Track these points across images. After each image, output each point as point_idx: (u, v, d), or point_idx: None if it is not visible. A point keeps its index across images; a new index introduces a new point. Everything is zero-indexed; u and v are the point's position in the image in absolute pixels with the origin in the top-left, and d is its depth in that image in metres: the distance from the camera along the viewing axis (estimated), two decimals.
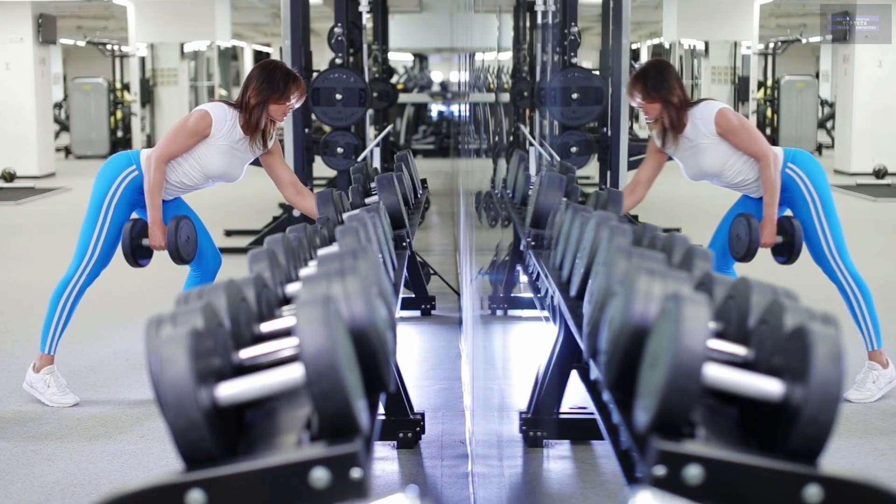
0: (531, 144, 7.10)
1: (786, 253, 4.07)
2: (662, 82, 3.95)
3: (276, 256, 2.45)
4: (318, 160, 6.35)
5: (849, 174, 13.22)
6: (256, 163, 4.21)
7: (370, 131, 8.57)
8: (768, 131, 16.31)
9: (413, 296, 5.67)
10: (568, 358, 3.39)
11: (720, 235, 4.25)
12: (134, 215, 4.12)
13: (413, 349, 5.06)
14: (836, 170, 13.68)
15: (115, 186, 4.03)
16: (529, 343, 5.07)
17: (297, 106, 4.07)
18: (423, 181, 5.76)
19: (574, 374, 3.37)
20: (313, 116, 6.39)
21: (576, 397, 3.65)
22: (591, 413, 3.19)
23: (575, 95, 5.93)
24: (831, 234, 4.08)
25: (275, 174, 4.20)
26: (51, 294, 4.10)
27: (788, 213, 4.13)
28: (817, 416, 1.52)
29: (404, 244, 3.88)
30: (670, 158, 4.18)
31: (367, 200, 4.21)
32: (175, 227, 3.92)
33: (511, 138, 9.51)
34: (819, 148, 16.26)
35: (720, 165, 4.02)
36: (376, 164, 7.84)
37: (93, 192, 4.07)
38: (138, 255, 4.02)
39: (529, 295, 5.25)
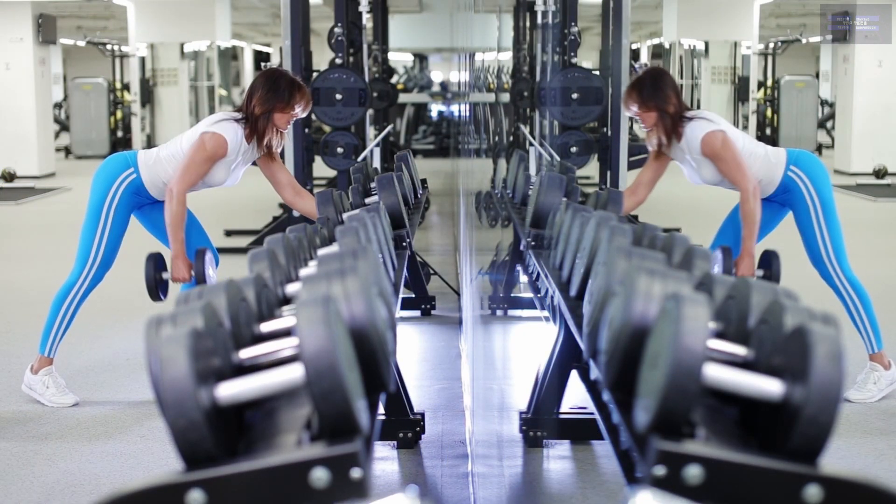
0: (531, 144, 7.10)
1: None
2: (658, 91, 3.92)
3: (276, 256, 2.45)
4: (318, 160, 6.35)
5: (849, 174, 13.22)
6: (255, 163, 4.21)
7: (370, 131, 8.57)
8: (768, 131, 16.32)
9: (413, 296, 5.67)
10: (568, 358, 3.39)
11: (722, 236, 4.24)
12: (135, 227, 4.11)
13: (413, 349, 5.06)
14: (836, 170, 13.68)
15: (113, 190, 4.02)
16: (529, 343, 5.07)
17: (302, 115, 4.05)
18: (423, 181, 5.75)
19: (574, 374, 3.37)
20: (313, 116, 6.39)
21: (576, 397, 3.65)
22: (591, 413, 3.19)
23: (575, 95, 5.93)
24: (830, 238, 4.07)
25: (273, 176, 4.19)
26: (53, 297, 4.09)
27: (774, 238, 4.06)
28: (817, 416, 1.52)
29: (404, 244, 3.88)
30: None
31: (367, 200, 4.20)
32: (202, 258, 3.85)
33: (511, 138, 9.51)
34: (819, 148, 16.25)
35: (717, 178, 4.01)
36: (376, 164, 7.84)
37: (91, 195, 4.05)
38: (161, 288, 3.99)
39: (529, 295, 5.25)
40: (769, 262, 3.94)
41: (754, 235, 3.93)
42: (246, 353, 1.82)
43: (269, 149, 4.02)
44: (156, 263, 3.94)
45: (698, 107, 17.58)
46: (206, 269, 3.86)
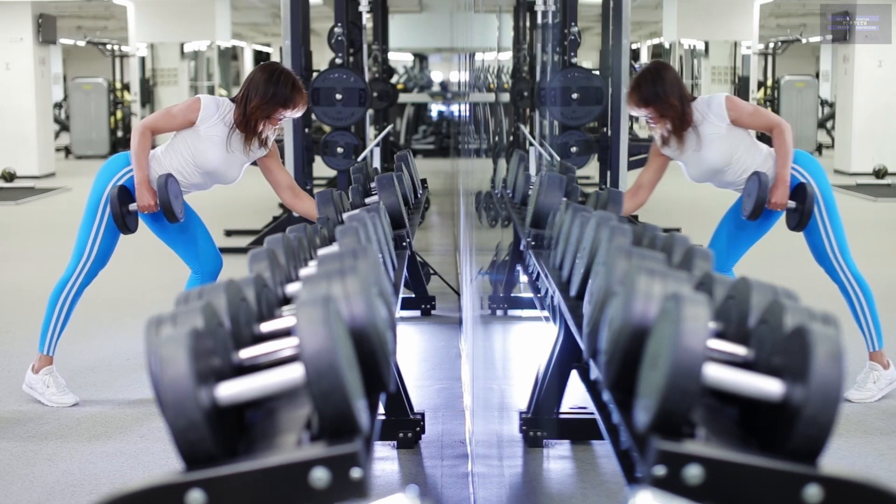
0: (531, 144, 7.10)
1: (796, 218, 4.07)
2: (659, 87, 3.93)
3: (276, 256, 2.45)
4: (318, 160, 6.35)
5: (849, 174, 13.22)
6: (255, 163, 4.20)
7: (370, 131, 8.56)
8: None
9: (413, 296, 5.67)
10: (568, 358, 3.39)
11: (720, 235, 4.25)
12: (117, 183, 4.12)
13: (413, 349, 5.06)
14: (836, 170, 13.68)
15: (110, 186, 4.02)
16: (529, 343, 5.07)
17: (297, 116, 4.07)
18: (423, 181, 5.75)
19: (574, 374, 3.37)
20: (313, 116, 6.39)
21: (576, 397, 3.65)
22: (591, 413, 3.19)
23: (575, 95, 5.93)
24: (834, 233, 4.08)
25: (272, 177, 4.19)
26: (49, 294, 4.10)
27: (803, 180, 4.10)
28: (817, 416, 1.52)
29: (404, 244, 3.88)
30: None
31: (367, 200, 4.20)
32: (164, 184, 3.93)
33: (511, 138, 9.52)
34: (819, 148, 16.25)
35: (727, 159, 4.01)
36: (376, 164, 7.84)
37: (90, 193, 4.06)
38: (128, 220, 4.02)
39: (529, 295, 5.25)
40: (803, 195, 4.02)
41: (789, 165, 4.02)
42: (246, 353, 1.82)
43: (260, 142, 4.02)
44: (121, 195, 3.97)
45: None
46: (169, 196, 3.89)
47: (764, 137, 4.40)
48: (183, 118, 3.97)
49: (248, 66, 23.75)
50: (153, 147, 4.10)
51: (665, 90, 3.92)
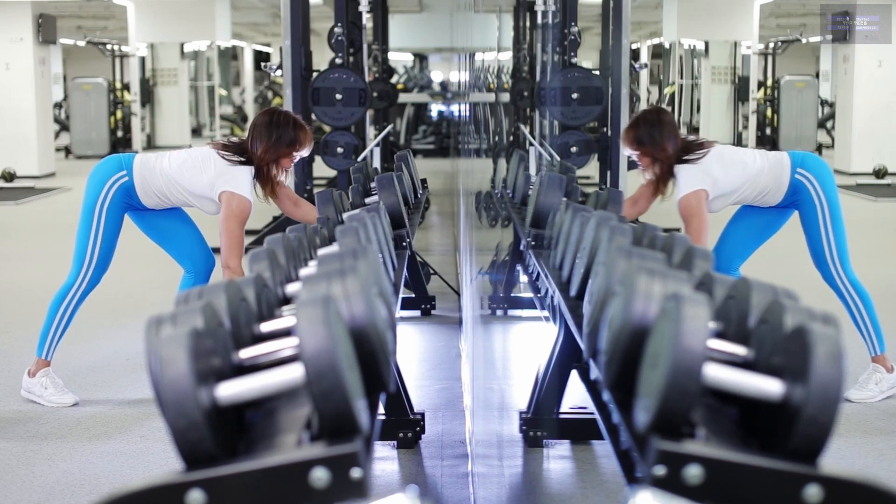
0: (531, 144, 7.10)
1: None
2: (654, 136, 3.93)
3: (276, 256, 2.45)
4: (318, 160, 6.35)
5: (849, 174, 13.22)
6: None
7: (370, 131, 8.56)
8: (768, 131, 16.31)
9: (413, 296, 5.67)
10: (568, 358, 3.39)
11: (725, 238, 4.24)
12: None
13: (413, 349, 5.06)
14: (836, 170, 13.67)
15: (104, 191, 4.00)
16: (529, 343, 5.07)
17: (305, 155, 4.08)
18: (423, 181, 5.75)
19: (574, 374, 3.37)
20: (313, 116, 6.39)
21: (576, 397, 3.65)
22: (591, 413, 3.19)
23: (575, 95, 5.93)
24: (835, 240, 4.07)
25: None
26: (51, 299, 4.09)
27: None
28: (817, 416, 1.52)
29: (404, 244, 3.88)
30: None
31: (367, 200, 4.21)
32: None
33: (511, 138, 9.52)
34: (819, 148, 16.25)
35: (723, 206, 4.05)
36: (376, 164, 7.84)
37: (84, 198, 4.04)
38: None
39: (529, 295, 5.25)
40: None
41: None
42: (246, 353, 1.82)
43: (273, 188, 4.05)
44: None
45: (698, 109, 17.65)
46: None
47: (761, 142, 4.40)
48: (246, 220, 3.99)
49: (248, 66, 23.73)
50: (154, 146, 4.10)
51: (662, 135, 3.93)
